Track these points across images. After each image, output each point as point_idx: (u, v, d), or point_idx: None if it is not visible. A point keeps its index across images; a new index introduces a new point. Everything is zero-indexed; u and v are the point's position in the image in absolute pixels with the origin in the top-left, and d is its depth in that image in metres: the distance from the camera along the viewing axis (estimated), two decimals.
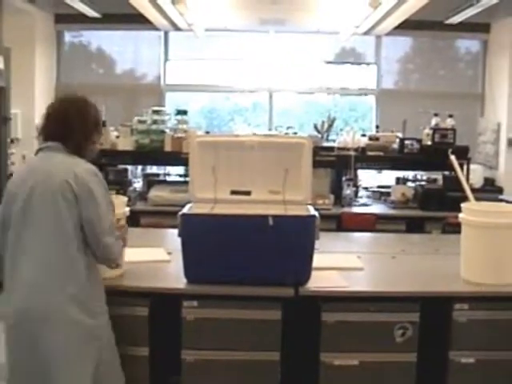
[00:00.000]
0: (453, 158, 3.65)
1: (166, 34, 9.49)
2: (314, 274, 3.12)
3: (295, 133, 6.79)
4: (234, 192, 3.43)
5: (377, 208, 6.07)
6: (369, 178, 7.10)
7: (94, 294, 2.75)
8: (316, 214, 3.10)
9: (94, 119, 2.90)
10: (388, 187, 6.47)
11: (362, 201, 6.28)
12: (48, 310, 2.62)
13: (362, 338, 3.08)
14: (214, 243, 3.04)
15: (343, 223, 5.59)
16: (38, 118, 8.62)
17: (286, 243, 3.00)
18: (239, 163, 3.47)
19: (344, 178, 6.11)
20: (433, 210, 5.79)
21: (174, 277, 3.14)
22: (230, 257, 3.03)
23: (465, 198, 3.44)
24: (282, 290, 3.02)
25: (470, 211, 3.26)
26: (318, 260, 3.15)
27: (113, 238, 2.77)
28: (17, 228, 2.68)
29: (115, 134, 6.31)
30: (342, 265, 3.47)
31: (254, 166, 3.46)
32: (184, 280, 3.08)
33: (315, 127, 6.64)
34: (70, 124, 2.79)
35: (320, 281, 3.13)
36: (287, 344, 3.08)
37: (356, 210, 5.94)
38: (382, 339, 3.07)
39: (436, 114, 6.38)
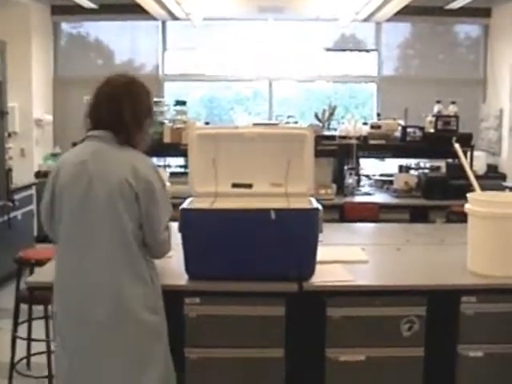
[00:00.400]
0: (457, 146, 3.57)
1: (163, 23, 9.42)
2: (317, 267, 3.04)
3: (296, 122, 6.73)
4: (235, 185, 3.36)
5: (380, 197, 6.01)
6: (371, 166, 7.04)
7: (156, 291, 2.68)
8: (319, 206, 3.03)
9: (146, 104, 2.70)
10: (390, 175, 6.40)
11: (364, 190, 6.23)
12: (118, 311, 2.53)
13: (368, 332, 3.01)
14: (215, 238, 2.96)
15: (346, 213, 5.53)
16: (36, 111, 8.66)
17: (289, 237, 2.93)
18: (240, 155, 3.39)
19: (346, 167, 6.04)
20: (436, 199, 5.74)
21: (176, 273, 3.07)
22: (232, 252, 2.95)
23: (469, 186, 3.38)
24: (286, 285, 2.95)
25: (476, 201, 3.17)
26: (321, 253, 3.07)
27: (167, 232, 2.71)
28: (73, 226, 2.56)
29: None
30: (346, 258, 3.40)
31: (254, 158, 3.38)
32: (186, 276, 3.01)
33: (316, 116, 6.57)
34: (121, 110, 2.59)
35: (324, 275, 3.05)
36: (291, 340, 3.01)
37: (359, 199, 5.89)
38: (389, 334, 3.00)
39: (438, 101, 6.31)
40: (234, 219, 2.97)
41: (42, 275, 3.22)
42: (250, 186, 3.36)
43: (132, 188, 2.53)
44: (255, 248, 2.94)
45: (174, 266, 3.21)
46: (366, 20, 8.88)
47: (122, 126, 2.60)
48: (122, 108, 2.59)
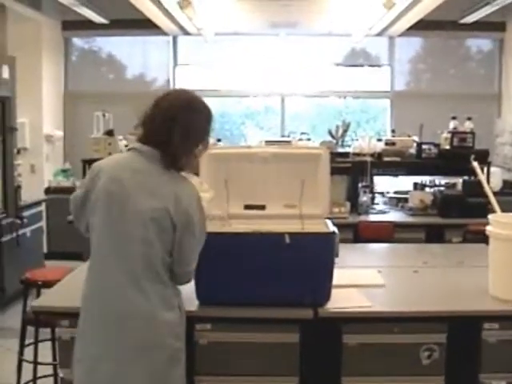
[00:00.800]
0: (475, 164, 3.47)
1: (174, 38, 9.39)
2: (333, 292, 2.94)
3: (309, 139, 6.63)
4: (247, 206, 3.26)
5: (394, 215, 5.89)
6: (385, 182, 6.92)
7: (182, 318, 2.58)
8: (336, 230, 2.92)
9: (202, 128, 2.56)
10: (405, 193, 6.29)
11: (378, 208, 6.11)
12: (148, 336, 2.43)
13: (385, 360, 2.90)
14: (227, 262, 2.86)
15: (360, 232, 5.41)
16: (46, 127, 8.63)
17: (304, 262, 2.82)
18: (252, 176, 3.29)
19: (360, 185, 5.93)
20: (453, 217, 5.61)
21: (186, 299, 2.95)
22: (245, 277, 2.85)
23: (486, 204, 3.28)
24: (301, 311, 2.85)
25: (498, 223, 3.06)
26: (337, 276, 2.96)
27: (195, 262, 2.60)
28: (105, 243, 2.45)
29: (124, 142, 6.17)
30: (362, 281, 3.29)
31: (268, 179, 3.28)
32: (196, 302, 2.91)
33: (330, 133, 6.48)
34: (173, 128, 2.44)
35: (340, 301, 2.95)
36: (306, 368, 2.91)
37: (373, 217, 5.77)
38: (408, 362, 2.89)
39: (454, 117, 6.20)
40: (247, 243, 2.87)
41: (48, 299, 3.13)
42: (263, 207, 3.27)
43: (171, 218, 2.42)
44: (268, 273, 2.84)
45: (184, 291, 3.10)
46: (378, 35, 8.80)
47: (170, 146, 2.46)
48: (175, 126, 2.45)
